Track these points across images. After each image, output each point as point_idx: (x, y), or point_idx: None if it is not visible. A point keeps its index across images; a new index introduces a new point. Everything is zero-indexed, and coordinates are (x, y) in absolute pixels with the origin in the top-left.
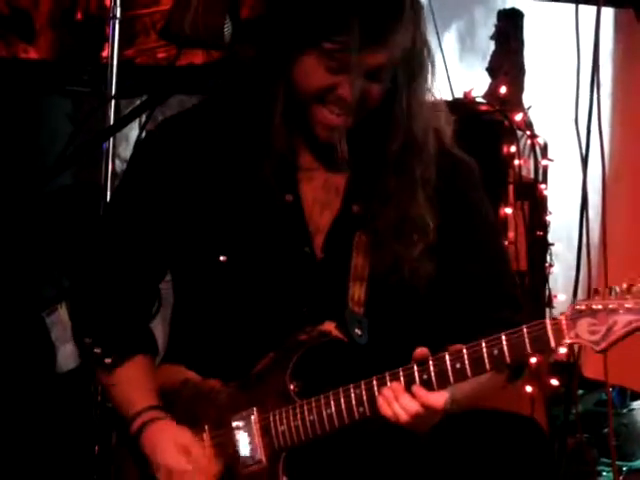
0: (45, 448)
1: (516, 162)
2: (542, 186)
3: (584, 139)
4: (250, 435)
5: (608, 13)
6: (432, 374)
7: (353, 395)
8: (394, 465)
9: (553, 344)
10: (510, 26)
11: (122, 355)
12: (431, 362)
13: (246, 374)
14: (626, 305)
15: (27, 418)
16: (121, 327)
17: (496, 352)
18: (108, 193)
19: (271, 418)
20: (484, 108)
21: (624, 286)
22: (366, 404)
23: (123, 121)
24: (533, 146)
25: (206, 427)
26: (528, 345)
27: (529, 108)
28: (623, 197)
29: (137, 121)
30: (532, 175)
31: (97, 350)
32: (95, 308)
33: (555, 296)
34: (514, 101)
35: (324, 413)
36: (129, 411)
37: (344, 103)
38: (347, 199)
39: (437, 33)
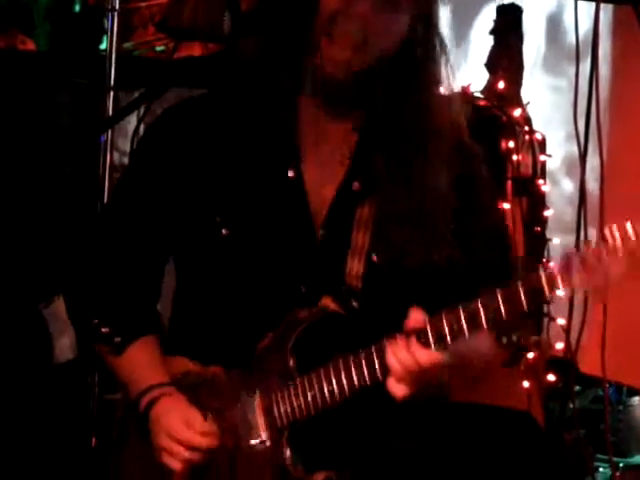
0: (42, 440)
1: (514, 158)
2: (540, 182)
3: (582, 135)
4: (253, 417)
5: (607, 9)
6: (429, 336)
7: (352, 364)
8: (396, 431)
9: (547, 293)
10: (509, 21)
11: (132, 334)
12: (428, 324)
13: (247, 357)
14: (618, 254)
15: (24, 410)
16: (129, 308)
17: (492, 307)
18: (106, 185)
19: (273, 398)
20: (482, 103)
21: (617, 236)
22: (365, 372)
23: (121, 113)
24: (531, 142)
25: (210, 414)
26: (523, 296)
27: (527, 104)
28: (622, 192)
29: (135, 114)
30: (530, 171)
31: (105, 330)
32: (102, 291)
33: None
34: (512, 97)
35: (325, 387)
36: (138, 388)
37: (355, 31)
38: (350, 174)
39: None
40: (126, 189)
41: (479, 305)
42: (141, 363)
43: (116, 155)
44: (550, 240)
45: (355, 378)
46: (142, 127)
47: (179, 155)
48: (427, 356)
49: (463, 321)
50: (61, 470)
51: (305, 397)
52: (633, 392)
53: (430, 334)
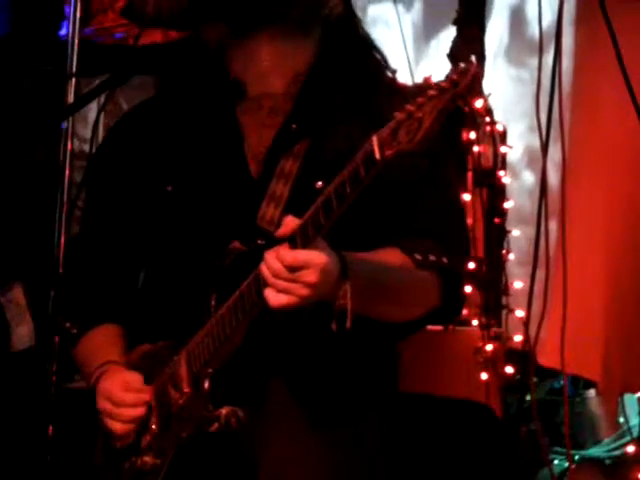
0: None
1: (475, 149)
2: (501, 173)
3: (544, 125)
4: (178, 373)
5: (569, 1)
6: (296, 236)
7: (241, 290)
8: (316, 364)
9: (378, 156)
10: (471, 12)
11: (86, 324)
12: (298, 232)
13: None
14: (429, 93)
15: None
16: (90, 302)
17: (340, 186)
18: (66, 172)
19: (192, 346)
20: None
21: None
22: (254, 292)
23: (83, 100)
24: (492, 133)
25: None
26: (360, 165)
27: (489, 95)
28: (583, 184)
29: (96, 101)
30: (491, 162)
31: (67, 324)
32: (70, 288)
33: (512, 283)
34: (474, 87)
35: (223, 317)
36: (90, 371)
37: None
38: (288, 120)
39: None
40: (90, 200)
41: (330, 189)
42: (93, 348)
43: (76, 142)
44: (510, 232)
45: (246, 300)
46: (103, 115)
47: (133, 158)
48: (290, 255)
49: (320, 209)
50: (17, 459)
51: (212, 333)
52: (589, 384)
53: (296, 234)
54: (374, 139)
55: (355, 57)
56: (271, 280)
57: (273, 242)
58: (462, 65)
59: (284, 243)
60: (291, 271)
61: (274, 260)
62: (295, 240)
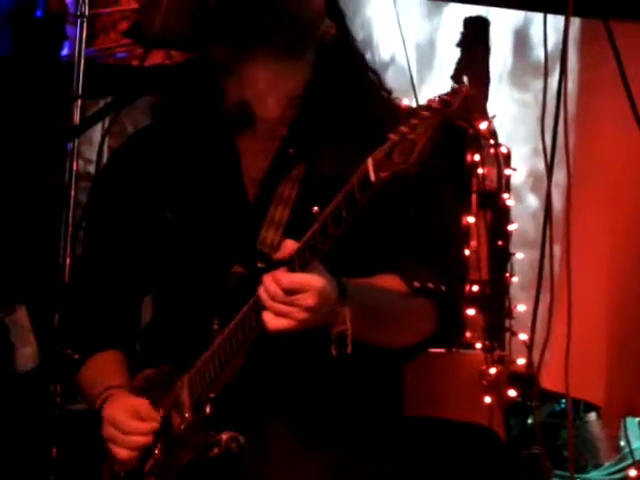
0: (2, 449)
1: (480, 171)
2: (505, 195)
3: (549, 147)
4: (180, 398)
5: (574, 24)
6: (294, 259)
7: (242, 313)
8: (315, 387)
9: (373, 178)
10: (476, 34)
11: (89, 350)
12: (296, 255)
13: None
14: (422, 113)
15: None
16: (91, 326)
17: (336, 209)
18: (72, 193)
19: (195, 370)
20: None
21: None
22: (253, 316)
23: (88, 122)
24: (496, 155)
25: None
26: (356, 188)
27: (493, 117)
28: (587, 208)
29: (100, 122)
30: (495, 184)
31: (68, 352)
32: (72, 314)
33: (515, 306)
34: (478, 109)
35: (224, 341)
36: (93, 395)
37: None
38: (285, 144)
39: (403, 42)
40: (91, 226)
41: (327, 212)
42: (96, 374)
43: (81, 164)
44: (514, 254)
45: (246, 324)
46: (107, 136)
47: (134, 184)
48: (287, 278)
49: (317, 233)
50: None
51: (212, 357)
52: (590, 408)
53: (294, 257)
54: (369, 161)
55: (349, 79)
56: (269, 303)
57: (272, 265)
58: (454, 85)
59: (282, 266)
60: (288, 294)
61: (272, 283)
62: (293, 263)
